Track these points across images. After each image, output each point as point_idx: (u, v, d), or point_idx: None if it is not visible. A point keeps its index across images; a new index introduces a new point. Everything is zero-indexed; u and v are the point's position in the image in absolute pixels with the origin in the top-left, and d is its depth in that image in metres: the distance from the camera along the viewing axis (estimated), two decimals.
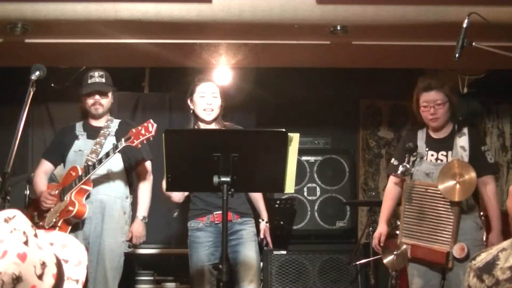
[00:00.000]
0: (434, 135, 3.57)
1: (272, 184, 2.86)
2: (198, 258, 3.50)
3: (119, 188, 3.79)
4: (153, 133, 3.44)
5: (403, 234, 3.51)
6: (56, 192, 3.73)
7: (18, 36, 3.78)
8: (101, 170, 3.67)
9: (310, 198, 5.32)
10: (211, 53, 4.31)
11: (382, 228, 3.67)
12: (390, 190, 3.73)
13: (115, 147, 3.55)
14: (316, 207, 5.29)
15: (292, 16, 3.62)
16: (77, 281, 1.30)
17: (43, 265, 1.15)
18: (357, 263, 4.82)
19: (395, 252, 3.52)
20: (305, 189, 5.33)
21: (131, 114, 5.27)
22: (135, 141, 3.45)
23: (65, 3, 3.53)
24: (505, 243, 1.63)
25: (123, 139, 3.52)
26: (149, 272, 4.89)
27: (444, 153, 3.49)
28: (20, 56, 4.24)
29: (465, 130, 3.52)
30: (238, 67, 4.70)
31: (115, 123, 3.88)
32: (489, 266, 1.57)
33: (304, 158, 5.32)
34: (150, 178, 3.91)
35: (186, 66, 4.66)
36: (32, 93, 3.10)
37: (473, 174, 3.30)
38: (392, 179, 3.71)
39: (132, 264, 4.83)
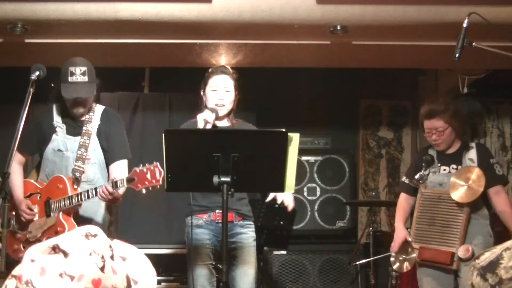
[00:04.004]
0: (444, 151, 3.66)
1: (272, 184, 2.86)
2: (197, 256, 3.31)
3: (100, 212, 3.54)
4: (160, 182, 3.14)
5: (413, 240, 3.61)
6: (37, 205, 3.47)
7: (18, 36, 3.78)
8: (85, 185, 3.41)
9: (310, 198, 5.31)
10: (211, 53, 4.31)
11: (405, 232, 3.65)
12: (402, 203, 3.78)
13: (114, 184, 3.24)
14: (316, 207, 5.29)
15: (292, 16, 3.62)
16: None
17: None
18: (357, 263, 4.82)
19: (403, 257, 3.61)
20: (305, 189, 5.32)
21: (131, 114, 5.26)
22: (139, 185, 3.19)
23: (65, 3, 3.52)
24: (509, 243, 1.62)
25: (124, 179, 3.23)
26: None
27: (455, 166, 3.59)
28: (20, 56, 4.24)
29: (473, 144, 3.67)
30: (238, 67, 4.70)
31: (97, 116, 3.54)
32: (493, 265, 1.57)
33: (304, 158, 5.31)
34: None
35: (186, 66, 4.66)
36: (32, 93, 3.10)
37: (482, 182, 3.38)
38: (402, 196, 3.79)
39: None
